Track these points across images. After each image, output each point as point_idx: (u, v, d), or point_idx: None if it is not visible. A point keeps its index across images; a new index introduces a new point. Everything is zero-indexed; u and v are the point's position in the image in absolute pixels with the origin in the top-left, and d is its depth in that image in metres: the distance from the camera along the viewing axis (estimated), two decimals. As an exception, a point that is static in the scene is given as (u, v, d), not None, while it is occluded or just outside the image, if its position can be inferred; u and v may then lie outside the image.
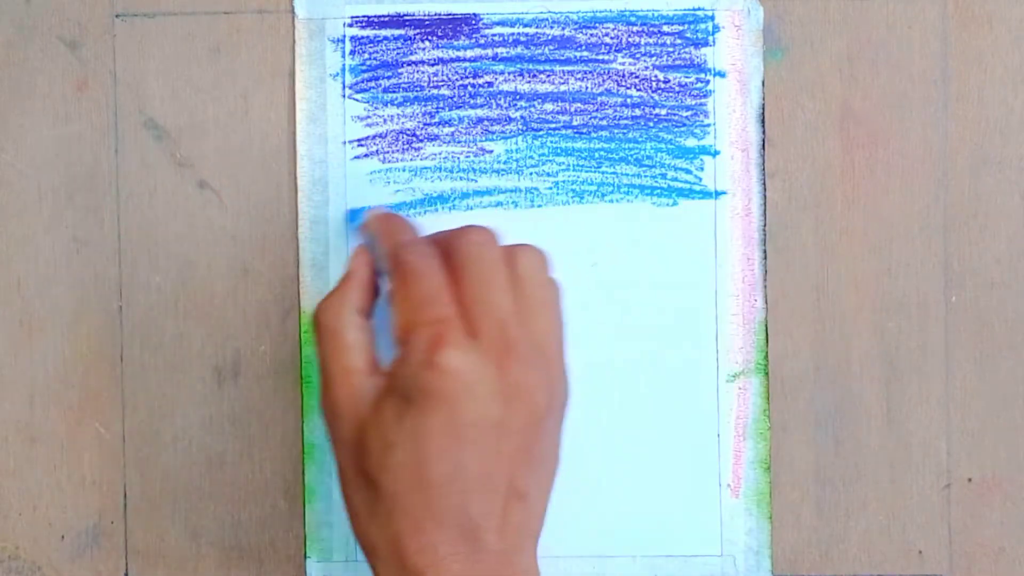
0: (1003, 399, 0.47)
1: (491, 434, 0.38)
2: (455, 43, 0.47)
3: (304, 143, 0.47)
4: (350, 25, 0.47)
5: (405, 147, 0.47)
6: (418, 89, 0.47)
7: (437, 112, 0.47)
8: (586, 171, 0.47)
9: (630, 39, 0.47)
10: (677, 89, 0.47)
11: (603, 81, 0.47)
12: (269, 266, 0.47)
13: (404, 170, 0.47)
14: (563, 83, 0.47)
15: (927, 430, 0.47)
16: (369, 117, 0.47)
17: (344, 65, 0.47)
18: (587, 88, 0.47)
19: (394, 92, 0.47)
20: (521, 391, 0.39)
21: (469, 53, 0.47)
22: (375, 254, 0.43)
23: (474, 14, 0.47)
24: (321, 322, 0.41)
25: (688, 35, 0.47)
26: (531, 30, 0.47)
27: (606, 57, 0.47)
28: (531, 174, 0.47)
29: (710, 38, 0.47)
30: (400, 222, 0.44)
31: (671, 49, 0.47)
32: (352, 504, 0.40)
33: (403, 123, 0.47)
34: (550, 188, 0.47)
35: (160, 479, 0.47)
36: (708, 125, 0.47)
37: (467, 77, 0.47)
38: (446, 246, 0.41)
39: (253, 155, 0.47)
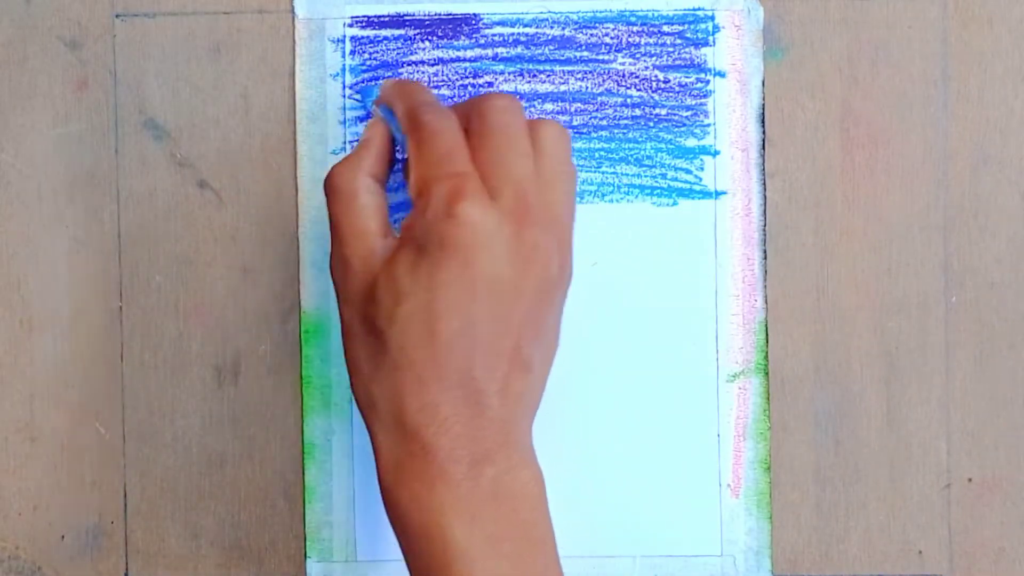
0: (1003, 399, 0.47)
1: (503, 294, 0.38)
2: (455, 43, 0.47)
3: (304, 143, 0.47)
4: (350, 25, 0.47)
5: (405, 147, 0.47)
6: (418, 89, 0.47)
7: (437, 112, 0.47)
8: (586, 171, 0.47)
9: (630, 39, 0.47)
10: (677, 89, 0.47)
11: (603, 81, 0.47)
12: (269, 266, 0.47)
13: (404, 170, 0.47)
14: (563, 83, 0.47)
15: (927, 430, 0.47)
16: (369, 117, 0.47)
17: (344, 65, 0.47)
18: (587, 88, 0.47)
19: (394, 92, 0.47)
20: (536, 254, 0.39)
21: (469, 53, 0.47)
22: (392, 125, 0.42)
23: (474, 14, 0.47)
24: (334, 184, 0.40)
25: (688, 35, 0.47)
26: (531, 30, 0.47)
27: (606, 57, 0.47)
28: (531, 174, 0.47)
29: (710, 38, 0.47)
30: (417, 86, 0.43)
31: (671, 49, 0.47)
32: (355, 361, 0.40)
33: (403, 123, 0.47)
34: (550, 188, 0.47)
35: (160, 479, 0.47)
36: (708, 125, 0.47)
37: (467, 77, 0.47)
38: (468, 110, 0.40)
39: (253, 155, 0.47)
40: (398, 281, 0.38)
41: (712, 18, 0.47)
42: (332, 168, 0.41)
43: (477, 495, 0.38)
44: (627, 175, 0.47)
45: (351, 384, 0.40)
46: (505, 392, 0.38)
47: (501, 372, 0.38)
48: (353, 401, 0.47)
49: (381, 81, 0.44)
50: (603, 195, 0.47)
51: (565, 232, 0.40)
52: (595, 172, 0.47)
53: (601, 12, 0.47)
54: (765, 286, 0.47)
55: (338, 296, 0.40)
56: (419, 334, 0.38)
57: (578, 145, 0.47)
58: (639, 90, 0.47)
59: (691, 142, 0.47)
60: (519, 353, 0.39)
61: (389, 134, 0.42)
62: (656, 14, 0.47)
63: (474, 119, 0.40)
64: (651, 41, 0.47)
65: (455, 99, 0.47)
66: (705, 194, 0.47)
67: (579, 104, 0.47)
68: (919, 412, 0.47)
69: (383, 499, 0.39)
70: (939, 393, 0.47)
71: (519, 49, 0.47)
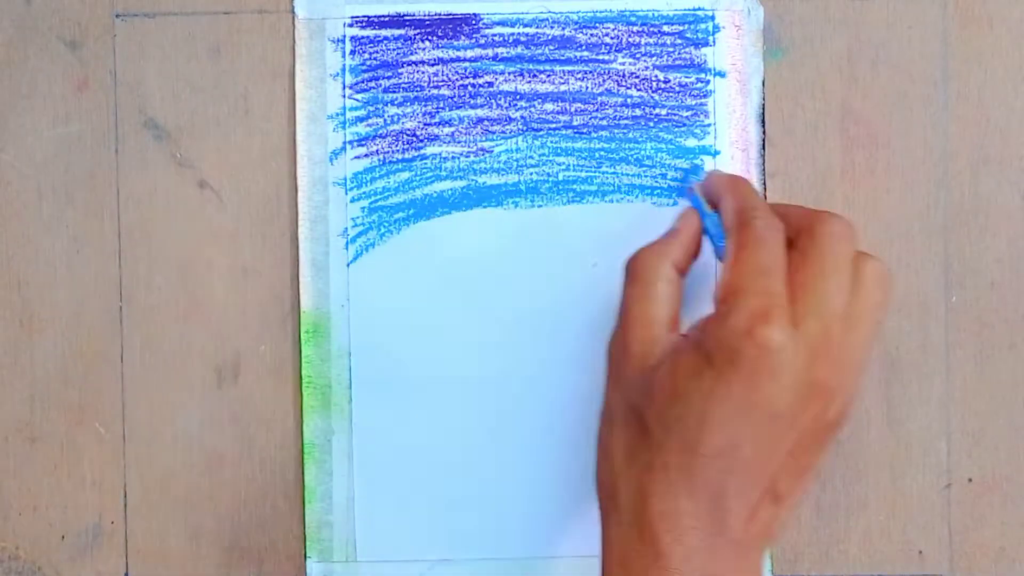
0: (1003, 399, 0.47)
1: (777, 426, 0.37)
2: (455, 43, 0.47)
3: (304, 143, 0.47)
4: (350, 25, 0.47)
5: (405, 147, 0.47)
6: (418, 89, 0.47)
7: (437, 112, 0.47)
8: (586, 171, 0.47)
9: (630, 39, 0.47)
10: (677, 89, 0.47)
11: (603, 81, 0.47)
12: (269, 266, 0.47)
13: (404, 170, 0.47)
14: (563, 83, 0.47)
15: (927, 430, 0.47)
16: (369, 117, 0.47)
17: (344, 65, 0.47)
18: (587, 88, 0.47)
19: (394, 92, 0.47)
20: (822, 394, 0.38)
21: (469, 53, 0.47)
22: (704, 215, 0.42)
23: (474, 14, 0.47)
24: (635, 268, 0.40)
25: (688, 35, 0.47)
26: (531, 30, 0.47)
27: (606, 57, 0.47)
28: (531, 174, 0.47)
29: (710, 38, 0.47)
30: (749, 186, 0.42)
31: (671, 49, 0.47)
32: (608, 447, 0.40)
33: (403, 123, 0.47)
34: (550, 188, 0.47)
35: (160, 479, 0.47)
36: (708, 125, 0.47)
37: (467, 77, 0.47)
38: (800, 224, 0.39)
39: (253, 155, 0.47)
40: (677, 381, 0.38)
41: (712, 18, 0.47)
42: (639, 251, 0.41)
43: None
44: (627, 175, 0.47)
45: (597, 467, 0.40)
46: (751, 519, 0.38)
47: (752, 499, 0.38)
48: (353, 400, 0.47)
49: (709, 170, 0.44)
50: (603, 195, 0.47)
51: (857, 377, 0.39)
52: (595, 172, 0.47)
53: (601, 12, 0.47)
54: (765, 286, 0.47)
55: (608, 377, 0.40)
56: (684, 440, 0.37)
57: (578, 145, 0.47)
58: (639, 90, 0.47)
59: (691, 142, 0.47)
60: (775, 485, 0.38)
61: (700, 226, 0.42)
62: (656, 14, 0.47)
63: (803, 236, 0.39)
64: (651, 41, 0.47)
65: (455, 99, 0.47)
66: (705, 194, 0.47)
67: (579, 104, 0.47)
68: (919, 412, 0.47)
69: None
70: (939, 393, 0.47)
71: (519, 49, 0.47)
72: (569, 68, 0.47)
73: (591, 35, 0.47)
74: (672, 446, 0.37)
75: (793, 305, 0.38)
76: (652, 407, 0.38)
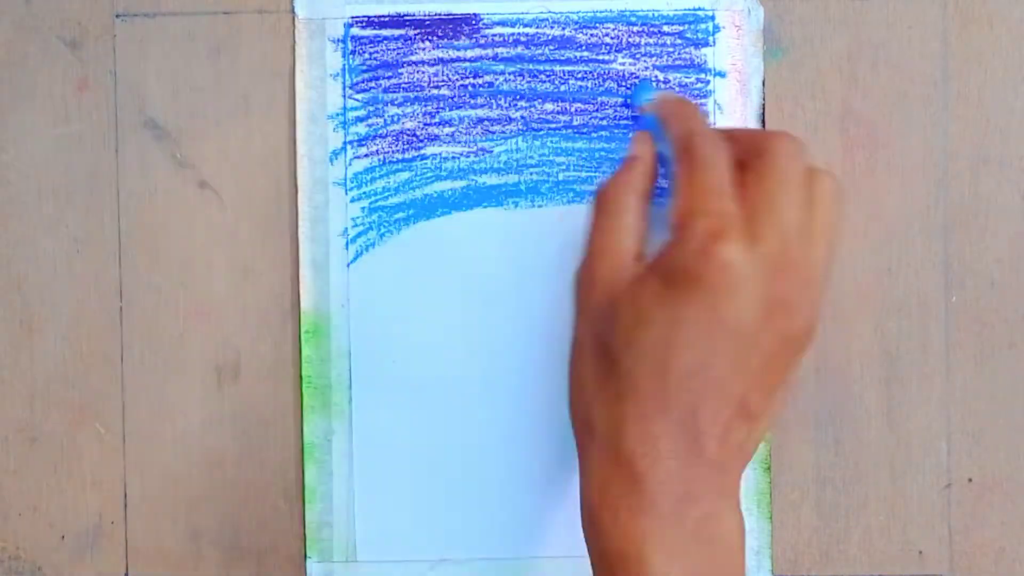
0: (1003, 399, 0.47)
1: (742, 343, 0.38)
2: (455, 43, 0.47)
3: (304, 143, 0.47)
4: (350, 25, 0.47)
5: (405, 147, 0.47)
6: (418, 89, 0.47)
7: (437, 112, 0.47)
8: (586, 171, 0.47)
9: (630, 39, 0.47)
10: (677, 89, 0.47)
11: (603, 81, 0.47)
12: (269, 266, 0.47)
13: (404, 170, 0.47)
14: (563, 83, 0.47)
15: (927, 430, 0.47)
16: (369, 117, 0.47)
17: (344, 65, 0.47)
18: (587, 88, 0.47)
19: (394, 92, 0.47)
20: (785, 309, 0.38)
21: (469, 53, 0.47)
22: (657, 137, 0.41)
23: (474, 14, 0.47)
24: (603, 200, 0.40)
25: (688, 35, 0.47)
26: (531, 30, 0.47)
27: (606, 57, 0.47)
28: (531, 174, 0.47)
29: (710, 38, 0.47)
30: (693, 109, 0.42)
31: (671, 49, 0.47)
32: (580, 378, 0.40)
33: (403, 123, 0.47)
34: (550, 188, 0.47)
35: (160, 479, 0.47)
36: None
37: (467, 77, 0.47)
38: (749, 143, 0.40)
39: (253, 155, 0.47)
40: (641, 307, 0.38)
41: (712, 18, 0.47)
42: (605, 181, 0.41)
43: (680, 533, 0.38)
44: (627, 175, 0.47)
45: (569, 398, 0.40)
46: (724, 438, 0.38)
47: (724, 418, 0.38)
48: (353, 401, 0.47)
49: (657, 91, 0.43)
50: (603, 195, 0.47)
51: (818, 292, 0.39)
52: (595, 172, 0.47)
53: (601, 12, 0.47)
54: (765, 286, 0.47)
55: (576, 309, 0.40)
56: (652, 365, 0.38)
57: (578, 145, 0.47)
58: (639, 90, 0.47)
59: (691, 142, 0.47)
60: (746, 403, 0.38)
61: (655, 150, 0.42)
62: (656, 14, 0.47)
63: (755, 156, 0.39)
64: (651, 41, 0.47)
65: (455, 99, 0.47)
66: (705, 194, 0.47)
67: (579, 104, 0.47)
68: (919, 412, 0.47)
69: (583, 516, 0.39)
70: (939, 393, 0.47)
71: (519, 49, 0.47)
72: (569, 68, 0.47)
73: (591, 35, 0.47)
74: (642, 372, 0.38)
75: (749, 224, 0.38)
76: (619, 336, 0.38)
